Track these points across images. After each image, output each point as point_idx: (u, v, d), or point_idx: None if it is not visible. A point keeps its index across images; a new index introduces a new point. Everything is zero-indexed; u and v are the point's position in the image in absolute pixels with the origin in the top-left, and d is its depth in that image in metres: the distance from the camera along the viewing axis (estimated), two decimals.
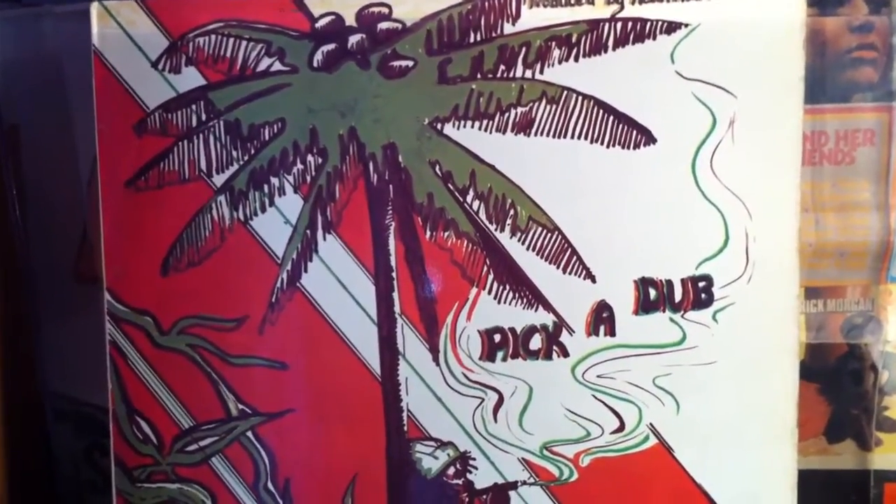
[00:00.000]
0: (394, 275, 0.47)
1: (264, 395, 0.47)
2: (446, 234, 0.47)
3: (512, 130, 0.46)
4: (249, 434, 0.47)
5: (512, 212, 0.47)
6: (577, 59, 0.46)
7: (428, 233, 0.47)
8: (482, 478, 0.47)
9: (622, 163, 0.46)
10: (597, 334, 0.46)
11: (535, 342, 0.47)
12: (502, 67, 0.46)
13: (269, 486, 0.47)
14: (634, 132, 0.46)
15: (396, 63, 0.47)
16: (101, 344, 0.47)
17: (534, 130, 0.46)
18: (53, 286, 0.57)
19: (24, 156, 0.56)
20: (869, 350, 0.54)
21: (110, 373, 0.47)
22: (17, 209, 0.56)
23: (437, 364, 0.47)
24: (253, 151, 0.47)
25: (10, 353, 0.53)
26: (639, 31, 0.46)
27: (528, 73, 0.46)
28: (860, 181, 0.53)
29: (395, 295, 0.47)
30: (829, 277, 0.54)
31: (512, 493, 0.47)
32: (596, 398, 0.46)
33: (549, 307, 0.47)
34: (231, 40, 0.47)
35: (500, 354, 0.47)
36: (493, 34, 0.46)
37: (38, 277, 0.57)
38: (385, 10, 0.46)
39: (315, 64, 0.47)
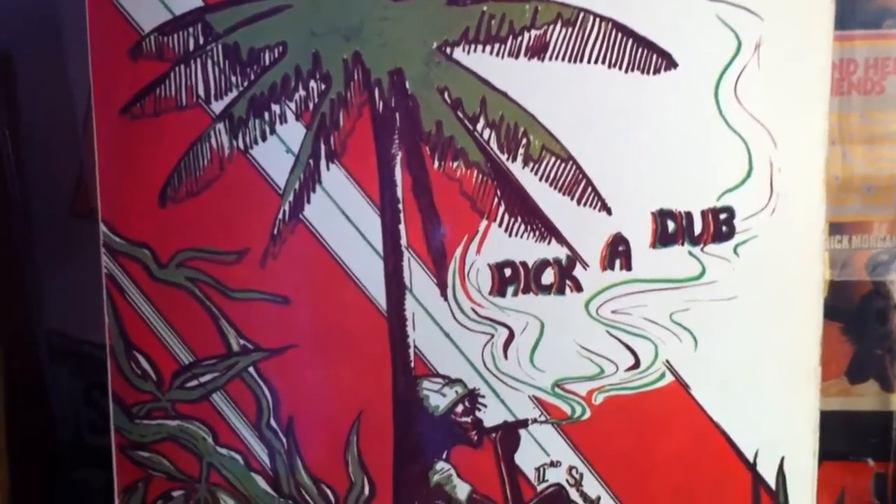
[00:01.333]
0: (400, 206, 0.45)
1: (266, 331, 0.45)
2: (455, 164, 0.45)
3: (525, 55, 0.44)
4: (251, 370, 0.46)
5: (524, 141, 0.45)
6: None
7: (436, 163, 0.45)
8: (491, 416, 0.45)
9: (641, 89, 0.43)
10: (612, 268, 0.45)
11: (548, 276, 0.45)
12: None
13: (272, 423, 0.46)
14: (654, 56, 0.44)
15: None
16: (100, 281, 0.46)
17: (548, 55, 0.44)
18: (50, 222, 0.55)
19: (18, 87, 0.55)
20: (894, 288, 0.52)
21: (107, 307, 0.45)
22: (9, 143, 0.54)
23: (446, 299, 0.45)
24: (253, 77, 0.45)
25: (6, 291, 0.52)
26: None
27: None
28: (890, 112, 0.51)
29: (402, 228, 0.45)
30: (854, 213, 0.52)
31: (522, 432, 0.45)
32: (610, 334, 0.45)
33: (562, 240, 0.45)
34: None
35: (510, 289, 0.45)
36: None
37: (34, 214, 0.55)
38: None
39: None
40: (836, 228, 0.52)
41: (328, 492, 0.46)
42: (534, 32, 0.44)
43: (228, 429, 0.46)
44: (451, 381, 0.45)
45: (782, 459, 0.45)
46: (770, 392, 0.44)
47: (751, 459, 0.44)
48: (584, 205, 0.44)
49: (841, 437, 0.51)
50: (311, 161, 0.45)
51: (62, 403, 0.55)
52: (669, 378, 0.45)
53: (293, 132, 0.45)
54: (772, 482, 0.45)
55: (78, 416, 0.55)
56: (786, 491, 0.45)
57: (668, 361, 0.45)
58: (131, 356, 0.46)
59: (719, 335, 0.44)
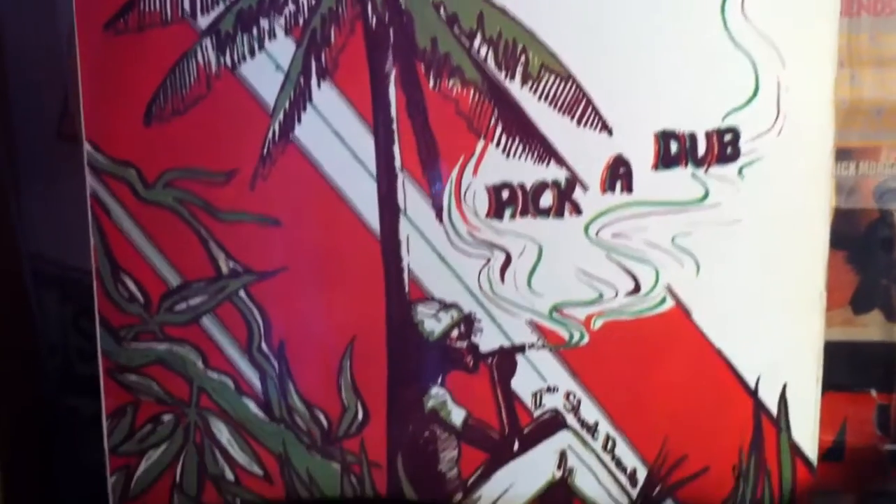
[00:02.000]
0: (394, 126, 0.44)
1: (256, 253, 0.44)
2: (451, 82, 0.43)
3: None
4: (242, 293, 0.44)
5: (523, 58, 0.43)
6: None
7: (431, 81, 0.43)
8: (487, 341, 0.44)
9: (644, 3, 0.42)
10: (612, 191, 0.43)
11: (546, 199, 0.43)
12: None
13: (263, 347, 0.45)
14: None
15: None
16: (87, 204, 0.44)
17: None
18: (36, 146, 0.54)
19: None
20: None
21: (92, 228, 0.44)
22: None
23: (441, 222, 0.44)
24: None
25: None
26: None
27: None
28: None
29: (396, 148, 0.44)
30: (863, 138, 0.51)
31: (519, 357, 0.44)
32: (610, 258, 0.43)
33: (561, 161, 0.43)
34: None
35: (508, 212, 0.43)
36: None
37: (19, 137, 0.54)
38: None
39: None
40: (842, 154, 0.50)
41: (321, 416, 0.45)
42: None
43: (219, 352, 0.45)
44: (446, 306, 0.44)
45: (784, 386, 0.44)
46: (773, 318, 0.43)
47: (752, 386, 0.44)
48: (584, 125, 0.43)
49: (844, 367, 0.50)
50: (301, 79, 0.44)
51: (49, 331, 0.54)
52: (670, 303, 0.43)
53: (283, 48, 0.43)
54: (774, 409, 0.44)
55: (66, 344, 0.54)
56: (787, 418, 0.44)
57: (669, 286, 0.43)
58: (118, 278, 0.44)
59: (722, 259, 0.43)
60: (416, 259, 0.44)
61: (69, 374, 0.54)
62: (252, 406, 0.45)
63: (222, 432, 0.45)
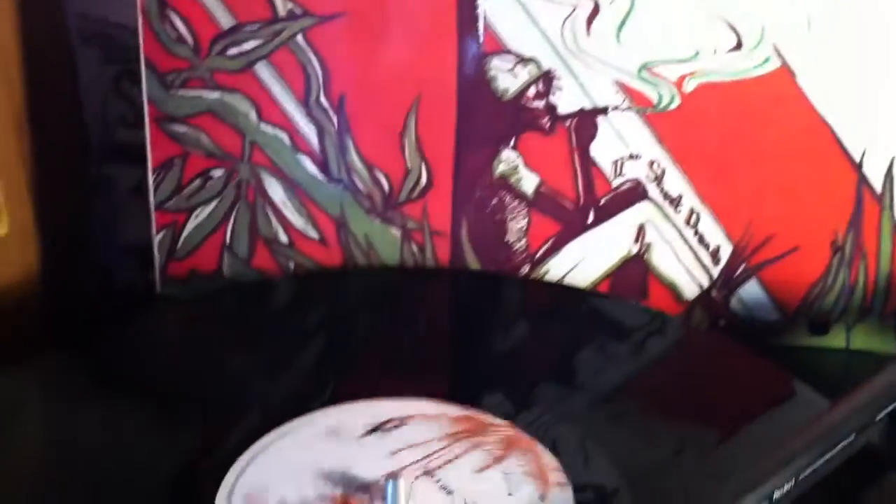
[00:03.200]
0: None
1: None
2: None
3: None
4: (299, 39, 0.41)
5: None
6: None
7: None
8: (567, 101, 0.40)
9: None
10: None
11: None
12: None
13: (322, 100, 0.41)
14: None
15: None
16: None
17: None
18: None
19: None
20: None
21: None
22: None
23: None
24: None
25: None
26: None
27: None
28: None
29: None
30: None
31: (600, 119, 0.41)
32: (711, 10, 0.39)
33: None
34: None
35: None
36: None
37: None
38: None
39: None
40: None
41: (382, 178, 0.42)
42: None
43: (273, 104, 0.41)
44: (523, 60, 0.40)
45: (893, 162, 0.40)
46: (887, 86, 0.39)
47: (857, 159, 0.40)
48: None
49: None
50: None
51: (90, 95, 0.51)
52: (775, 63, 0.39)
53: None
54: (878, 185, 0.40)
55: (106, 110, 0.51)
56: (893, 195, 0.40)
57: (775, 44, 0.39)
58: (165, 16, 0.40)
59: (839, 17, 0.39)
60: (493, 5, 0.39)
61: (110, 141, 0.51)
62: (308, 164, 0.42)
63: (276, 191, 0.42)
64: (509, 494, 0.30)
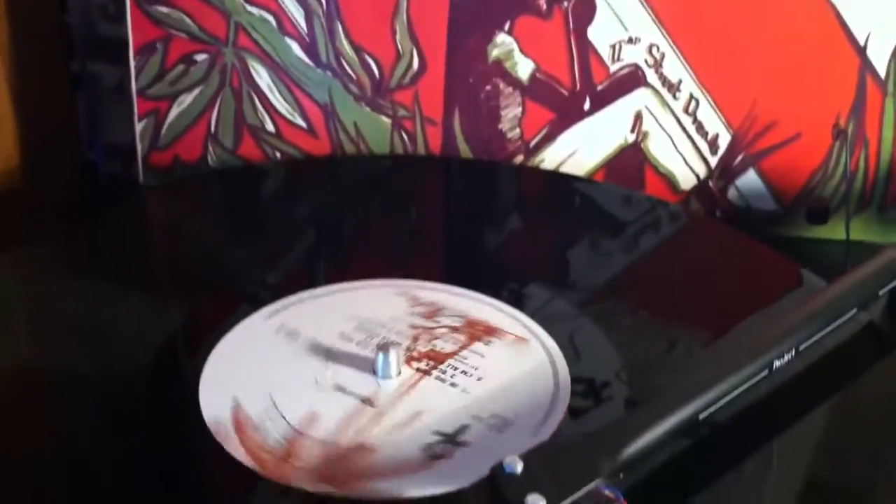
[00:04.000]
0: None
1: None
2: None
3: None
4: None
5: None
6: None
7: None
8: None
9: None
10: None
11: None
12: None
13: None
14: None
15: None
16: None
17: None
18: None
19: None
20: None
21: None
22: None
23: None
24: None
25: None
26: None
27: None
28: None
29: None
30: None
31: (599, 0, 0.39)
32: None
33: None
34: None
35: None
36: None
37: None
38: None
39: None
40: None
41: (372, 63, 0.41)
42: None
43: None
44: None
45: None
46: None
47: (861, 42, 0.39)
48: None
49: None
50: None
51: None
52: None
53: None
54: (881, 70, 0.39)
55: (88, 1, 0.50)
56: None
57: None
58: None
59: None
60: None
61: (91, 35, 0.50)
62: (296, 48, 0.40)
63: (262, 76, 0.41)
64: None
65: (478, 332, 0.31)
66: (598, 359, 0.30)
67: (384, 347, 0.29)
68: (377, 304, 0.32)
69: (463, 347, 0.30)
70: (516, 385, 0.29)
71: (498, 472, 0.23)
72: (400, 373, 0.29)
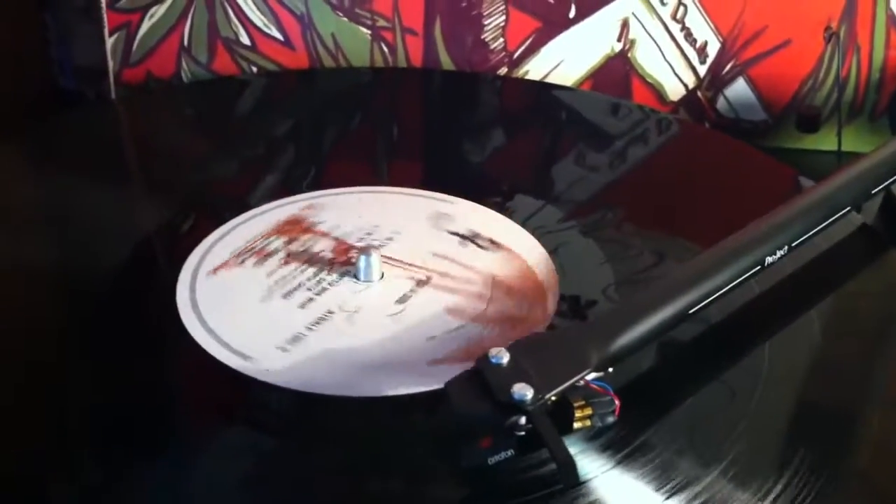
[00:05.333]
0: None
1: None
2: None
3: None
4: None
5: None
6: None
7: None
8: None
9: None
10: None
11: None
12: None
13: None
14: None
15: None
16: None
17: None
18: None
19: None
20: None
21: None
22: None
23: None
24: None
25: None
26: None
27: None
28: None
29: None
30: None
31: None
32: None
33: None
34: None
35: None
36: None
37: None
38: None
39: None
40: None
41: None
42: None
43: None
44: None
45: None
46: None
47: None
48: None
49: None
50: None
51: None
52: None
53: None
54: None
55: None
56: None
57: None
58: None
59: None
60: None
61: None
62: None
63: None
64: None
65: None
66: (587, 272, 0.29)
67: (366, 251, 0.28)
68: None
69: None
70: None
71: (484, 364, 0.22)
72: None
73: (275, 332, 0.26)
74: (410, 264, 0.29)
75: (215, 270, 0.28)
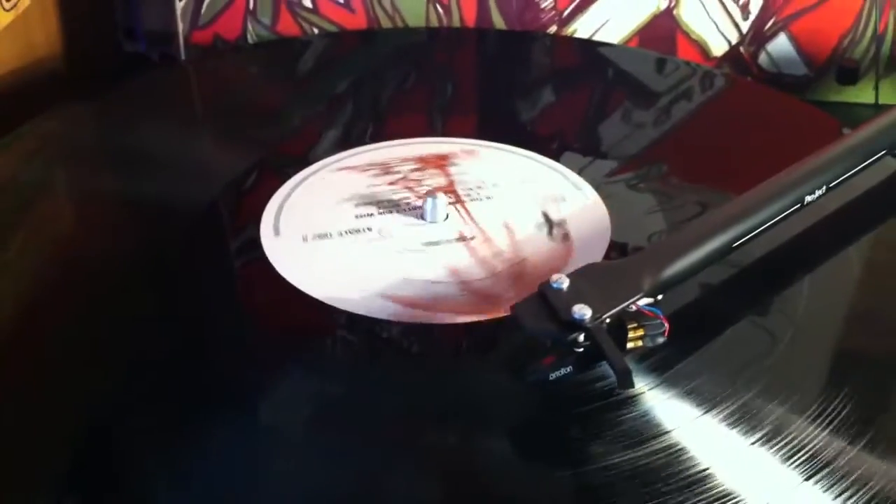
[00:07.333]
0: None
1: None
2: None
3: None
4: None
5: None
6: None
7: None
8: None
9: None
10: None
11: None
12: None
13: None
14: None
15: None
16: None
17: None
18: None
19: None
20: None
21: None
22: None
23: None
24: None
25: None
26: None
27: None
28: None
29: None
30: None
31: None
32: None
33: None
34: None
35: None
36: None
37: None
38: None
39: None
40: None
41: None
42: None
43: None
44: None
45: None
46: None
47: None
48: None
49: None
50: None
51: None
52: None
53: None
54: None
55: None
56: None
57: None
58: None
59: None
60: None
61: None
62: None
63: None
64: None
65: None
66: (639, 221, 0.31)
67: (433, 194, 0.30)
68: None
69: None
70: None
71: (546, 288, 0.24)
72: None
73: (316, 224, 0.29)
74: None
75: (345, 169, 0.31)
